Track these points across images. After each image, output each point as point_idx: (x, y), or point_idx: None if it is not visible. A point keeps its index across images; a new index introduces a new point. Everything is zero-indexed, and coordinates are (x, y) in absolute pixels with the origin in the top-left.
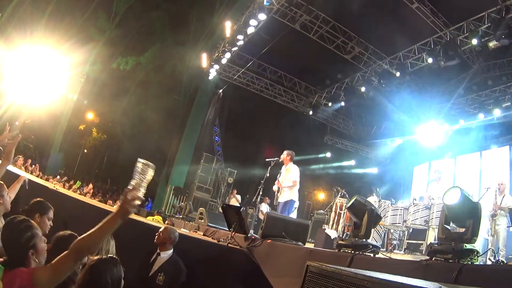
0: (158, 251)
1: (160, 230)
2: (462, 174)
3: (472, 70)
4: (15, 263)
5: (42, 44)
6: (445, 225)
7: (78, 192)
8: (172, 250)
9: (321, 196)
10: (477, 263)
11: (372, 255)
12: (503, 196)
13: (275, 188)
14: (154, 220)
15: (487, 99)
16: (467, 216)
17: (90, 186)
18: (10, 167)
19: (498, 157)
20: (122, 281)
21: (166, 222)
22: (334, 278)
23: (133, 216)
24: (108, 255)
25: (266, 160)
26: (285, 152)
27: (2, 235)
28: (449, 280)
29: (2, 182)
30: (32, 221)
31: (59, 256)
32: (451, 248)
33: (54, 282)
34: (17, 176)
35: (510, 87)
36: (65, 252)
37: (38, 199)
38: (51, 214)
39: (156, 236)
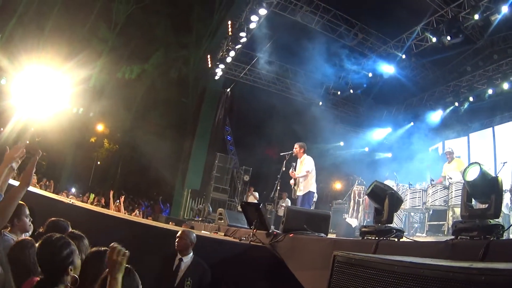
0: (179, 256)
1: (178, 235)
2: (476, 151)
3: (476, 45)
4: (53, 281)
5: (45, 60)
6: (467, 203)
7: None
8: (192, 253)
9: (337, 185)
10: (502, 238)
11: (396, 239)
12: None
13: (292, 181)
14: None
15: (494, 74)
16: (488, 191)
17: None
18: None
19: (511, 131)
20: None
21: (182, 226)
22: (362, 266)
23: (147, 222)
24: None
25: (281, 154)
26: (296, 145)
27: (40, 254)
28: (477, 257)
29: (23, 203)
30: (68, 238)
31: None
32: (476, 225)
33: None
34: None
35: None
36: None
37: (53, 218)
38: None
39: (176, 243)
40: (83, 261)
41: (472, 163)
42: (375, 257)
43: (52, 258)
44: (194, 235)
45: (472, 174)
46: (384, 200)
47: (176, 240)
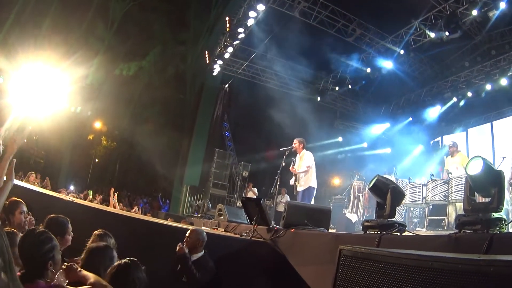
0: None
1: (187, 234)
2: (474, 146)
3: (474, 41)
4: (34, 275)
5: (43, 58)
6: (470, 197)
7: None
8: (203, 252)
9: (336, 181)
10: (505, 231)
11: (399, 233)
12: None
13: (292, 181)
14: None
15: (492, 69)
16: (491, 185)
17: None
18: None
19: (509, 126)
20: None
21: (181, 222)
22: (369, 259)
23: (156, 220)
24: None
25: (280, 149)
26: (295, 141)
27: (21, 247)
28: (480, 250)
29: (19, 200)
30: (50, 233)
31: None
32: (479, 218)
33: None
34: None
35: None
36: None
37: (52, 215)
38: (69, 228)
39: (185, 242)
40: (83, 258)
41: (475, 157)
42: (382, 250)
43: (32, 251)
44: (204, 234)
45: (475, 168)
46: (387, 194)
47: (185, 239)
